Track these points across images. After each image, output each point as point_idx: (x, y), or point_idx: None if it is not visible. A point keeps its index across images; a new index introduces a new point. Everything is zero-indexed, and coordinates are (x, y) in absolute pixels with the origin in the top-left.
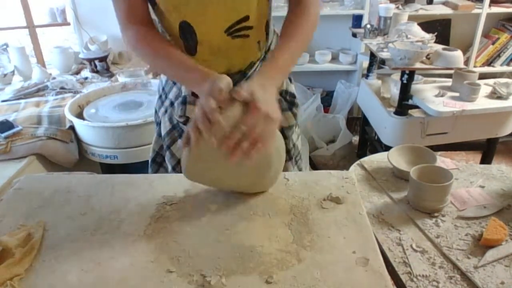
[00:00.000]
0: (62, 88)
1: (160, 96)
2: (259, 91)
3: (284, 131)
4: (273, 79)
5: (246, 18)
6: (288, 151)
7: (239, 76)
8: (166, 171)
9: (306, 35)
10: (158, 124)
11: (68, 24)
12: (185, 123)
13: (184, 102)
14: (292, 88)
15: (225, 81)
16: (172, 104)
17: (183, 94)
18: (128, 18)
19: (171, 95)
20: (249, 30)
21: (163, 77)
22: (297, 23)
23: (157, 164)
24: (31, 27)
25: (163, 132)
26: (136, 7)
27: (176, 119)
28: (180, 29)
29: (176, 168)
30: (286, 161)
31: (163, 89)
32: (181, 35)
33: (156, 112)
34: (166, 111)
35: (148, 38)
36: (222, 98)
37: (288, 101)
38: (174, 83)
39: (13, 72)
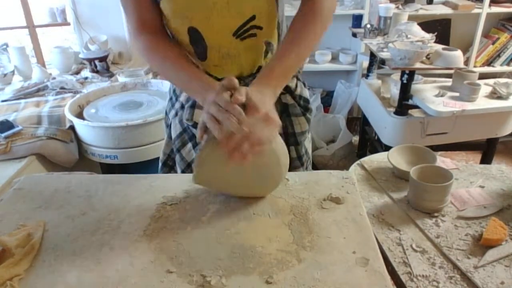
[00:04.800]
0: (62, 88)
1: (171, 98)
2: (256, 95)
3: (297, 137)
4: (269, 86)
5: (253, 18)
6: (299, 157)
7: (252, 79)
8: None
9: (313, 39)
10: (168, 126)
11: (68, 24)
12: (193, 126)
13: (193, 106)
14: (306, 93)
15: (233, 82)
16: (182, 107)
17: (192, 100)
18: (139, 28)
19: (182, 98)
20: (258, 29)
21: None
22: (304, 25)
23: (168, 167)
24: (31, 27)
25: (173, 135)
26: (147, 16)
27: (186, 123)
28: (189, 35)
29: (186, 172)
30: (297, 167)
31: (173, 91)
32: (191, 41)
33: (166, 114)
34: (176, 114)
35: (156, 47)
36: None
37: (301, 106)
38: None
39: (13, 72)
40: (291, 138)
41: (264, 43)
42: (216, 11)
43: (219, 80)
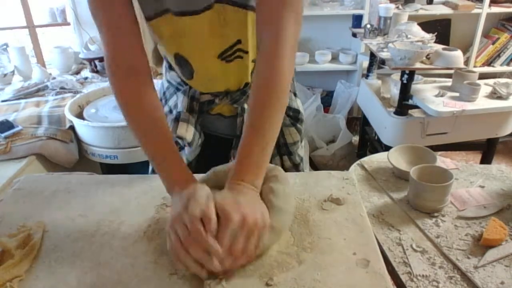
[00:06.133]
0: (62, 88)
1: (161, 100)
2: (227, 200)
3: (289, 147)
4: (245, 182)
5: (238, 42)
6: (295, 166)
7: (239, 93)
8: None
9: (278, 116)
10: None
11: (68, 24)
12: (180, 137)
13: (177, 119)
14: (297, 103)
15: (203, 199)
16: (171, 111)
17: (178, 109)
18: (115, 64)
19: (171, 102)
20: (244, 53)
21: (165, 82)
22: (267, 104)
23: None
24: (31, 27)
25: None
26: (125, 49)
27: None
28: (175, 59)
29: None
30: None
31: (164, 93)
32: (176, 63)
33: None
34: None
35: (133, 101)
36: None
37: (291, 117)
38: (175, 92)
39: (13, 72)
40: (282, 148)
41: (251, 61)
42: (204, 38)
43: (204, 94)
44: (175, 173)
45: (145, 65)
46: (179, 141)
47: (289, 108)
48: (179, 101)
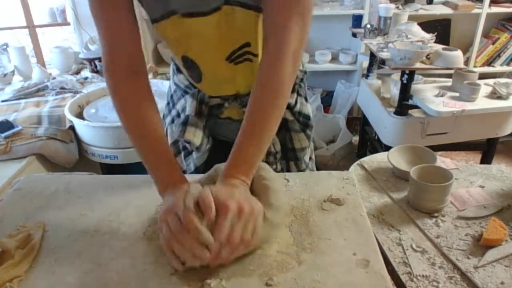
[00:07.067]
0: (62, 88)
1: (168, 103)
2: (222, 191)
3: (296, 152)
4: (237, 179)
5: (247, 44)
6: (300, 172)
7: (248, 98)
8: None
9: (275, 115)
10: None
11: (68, 24)
12: (187, 141)
13: (185, 123)
14: (307, 109)
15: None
16: (178, 115)
17: (186, 112)
18: (113, 64)
19: (178, 106)
20: (253, 56)
21: (172, 84)
22: (265, 104)
23: None
24: (31, 27)
25: (169, 141)
26: (124, 49)
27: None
28: (183, 61)
29: None
30: None
31: (171, 96)
32: (185, 65)
33: (163, 118)
34: (172, 121)
35: (126, 104)
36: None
37: (301, 123)
38: (183, 95)
39: (13, 72)
40: (290, 153)
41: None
42: (212, 40)
43: (213, 97)
44: (169, 174)
45: (143, 66)
46: (187, 145)
47: (299, 113)
48: (187, 105)
